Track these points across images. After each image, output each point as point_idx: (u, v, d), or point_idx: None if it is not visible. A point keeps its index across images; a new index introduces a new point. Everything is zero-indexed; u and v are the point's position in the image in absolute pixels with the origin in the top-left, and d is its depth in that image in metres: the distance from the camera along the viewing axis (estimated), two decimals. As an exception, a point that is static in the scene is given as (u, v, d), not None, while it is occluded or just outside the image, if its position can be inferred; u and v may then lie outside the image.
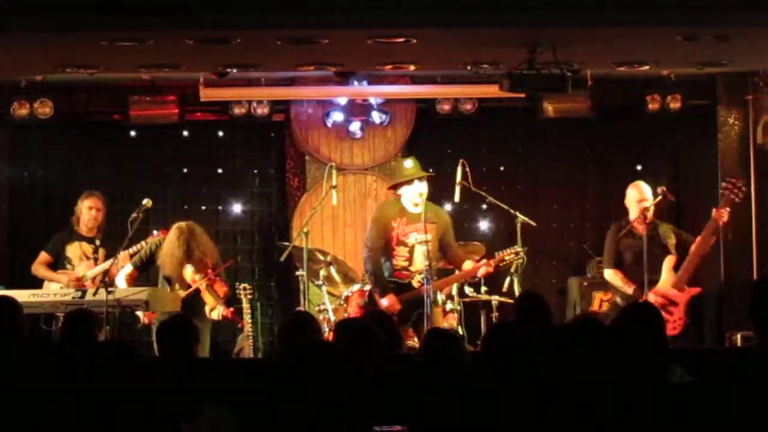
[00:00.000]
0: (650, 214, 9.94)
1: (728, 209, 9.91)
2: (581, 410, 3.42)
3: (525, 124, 12.40)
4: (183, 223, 10.13)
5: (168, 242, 10.01)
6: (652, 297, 9.69)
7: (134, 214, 9.85)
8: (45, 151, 12.30)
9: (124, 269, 10.06)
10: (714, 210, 9.94)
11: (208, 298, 9.94)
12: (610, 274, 10.15)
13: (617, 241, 10.09)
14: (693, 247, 9.92)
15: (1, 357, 3.42)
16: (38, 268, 10.59)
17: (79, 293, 9.61)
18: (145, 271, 10.34)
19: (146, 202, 9.99)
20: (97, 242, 10.59)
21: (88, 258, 10.55)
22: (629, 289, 9.92)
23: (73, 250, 10.57)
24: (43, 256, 10.62)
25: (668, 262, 9.90)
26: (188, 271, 9.95)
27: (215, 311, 9.92)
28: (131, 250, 10.16)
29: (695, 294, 9.91)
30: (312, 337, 6.22)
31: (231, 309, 10.02)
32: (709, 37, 9.25)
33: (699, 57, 10.43)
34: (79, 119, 12.13)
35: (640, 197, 10.05)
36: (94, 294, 9.45)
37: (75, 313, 7.84)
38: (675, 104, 11.87)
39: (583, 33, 9.11)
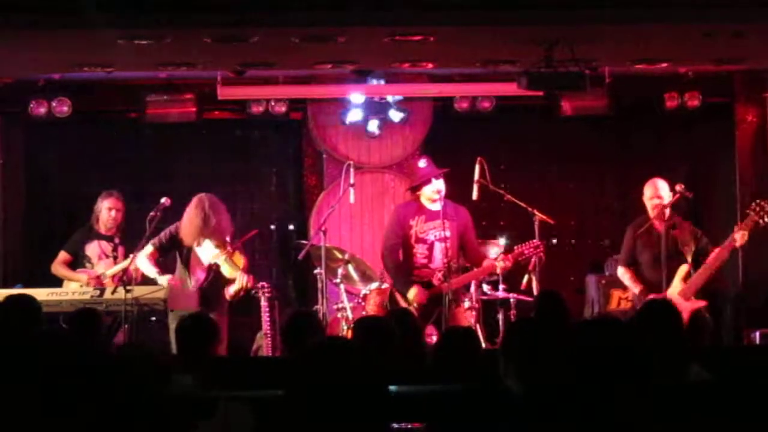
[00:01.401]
0: (668, 212, 9.85)
1: (748, 230, 9.58)
2: (598, 409, 3.41)
3: (543, 121, 12.39)
4: (203, 194, 10.03)
5: (187, 212, 9.91)
6: None
7: (152, 213, 9.83)
8: (62, 149, 12.32)
9: (144, 250, 9.93)
10: (737, 227, 9.67)
11: (227, 270, 9.82)
12: (621, 272, 10.07)
13: (634, 240, 10.00)
14: (708, 260, 9.67)
15: (20, 354, 3.44)
16: (58, 267, 10.60)
17: (98, 292, 9.65)
18: (165, 254, 10.17)
19: (164, 200, 9.99)
20: (116, 240, 10.59)
21: (107, 256, 10.55)
22: (636, 289, 9.84)
23: (92, 248, 10.57)
24: (63, 255, 10.63)
25: (682, 270, 9.72)
26: (208, 248, 9.82)
27: (234, 285, 9.80)
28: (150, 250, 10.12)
29: (700, 307, 9.71)
30: (323, 336, 6.23)
31: (251, 276, 9.90)
32: (727, 34, 9.22)
33: (717, 54, 10.40)
34: (97, 117, 12.18)
35: (652, 194, 9.94)
36: (113, 292, 9.49)
37: (80, 312, 7.87)
38: (693, 102, 11.84)
39: (600, 30, 9.09)
